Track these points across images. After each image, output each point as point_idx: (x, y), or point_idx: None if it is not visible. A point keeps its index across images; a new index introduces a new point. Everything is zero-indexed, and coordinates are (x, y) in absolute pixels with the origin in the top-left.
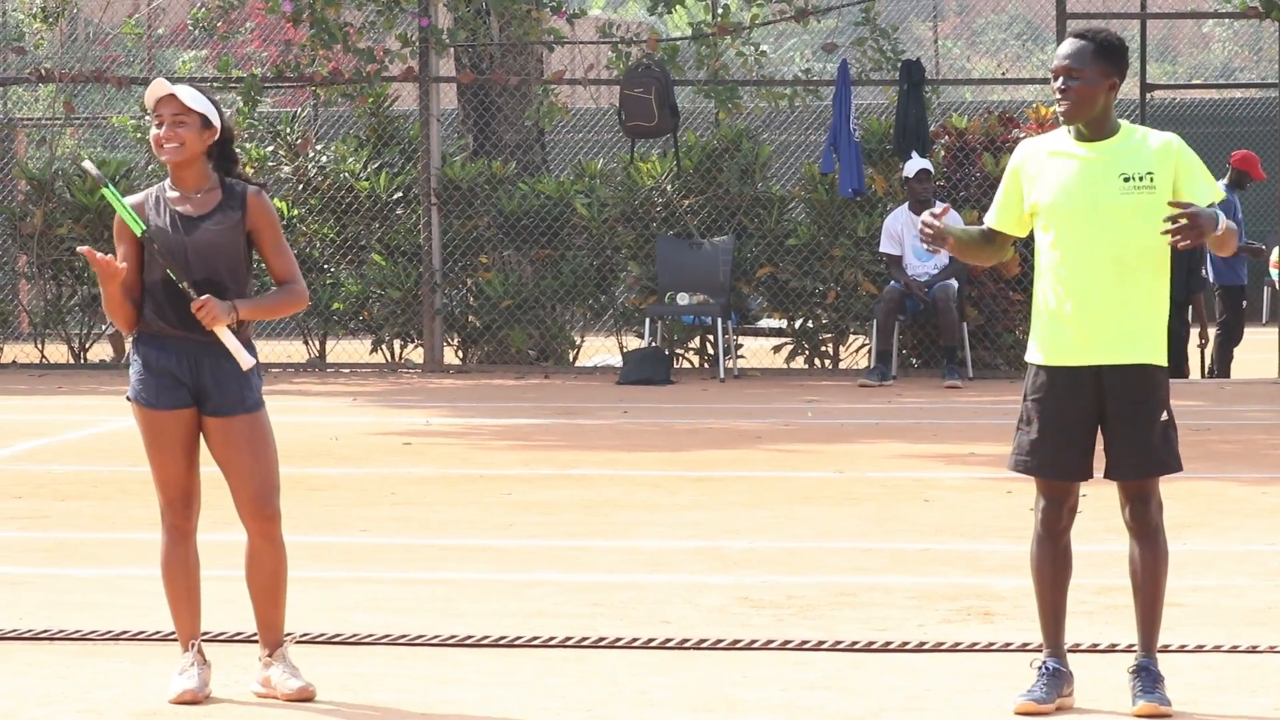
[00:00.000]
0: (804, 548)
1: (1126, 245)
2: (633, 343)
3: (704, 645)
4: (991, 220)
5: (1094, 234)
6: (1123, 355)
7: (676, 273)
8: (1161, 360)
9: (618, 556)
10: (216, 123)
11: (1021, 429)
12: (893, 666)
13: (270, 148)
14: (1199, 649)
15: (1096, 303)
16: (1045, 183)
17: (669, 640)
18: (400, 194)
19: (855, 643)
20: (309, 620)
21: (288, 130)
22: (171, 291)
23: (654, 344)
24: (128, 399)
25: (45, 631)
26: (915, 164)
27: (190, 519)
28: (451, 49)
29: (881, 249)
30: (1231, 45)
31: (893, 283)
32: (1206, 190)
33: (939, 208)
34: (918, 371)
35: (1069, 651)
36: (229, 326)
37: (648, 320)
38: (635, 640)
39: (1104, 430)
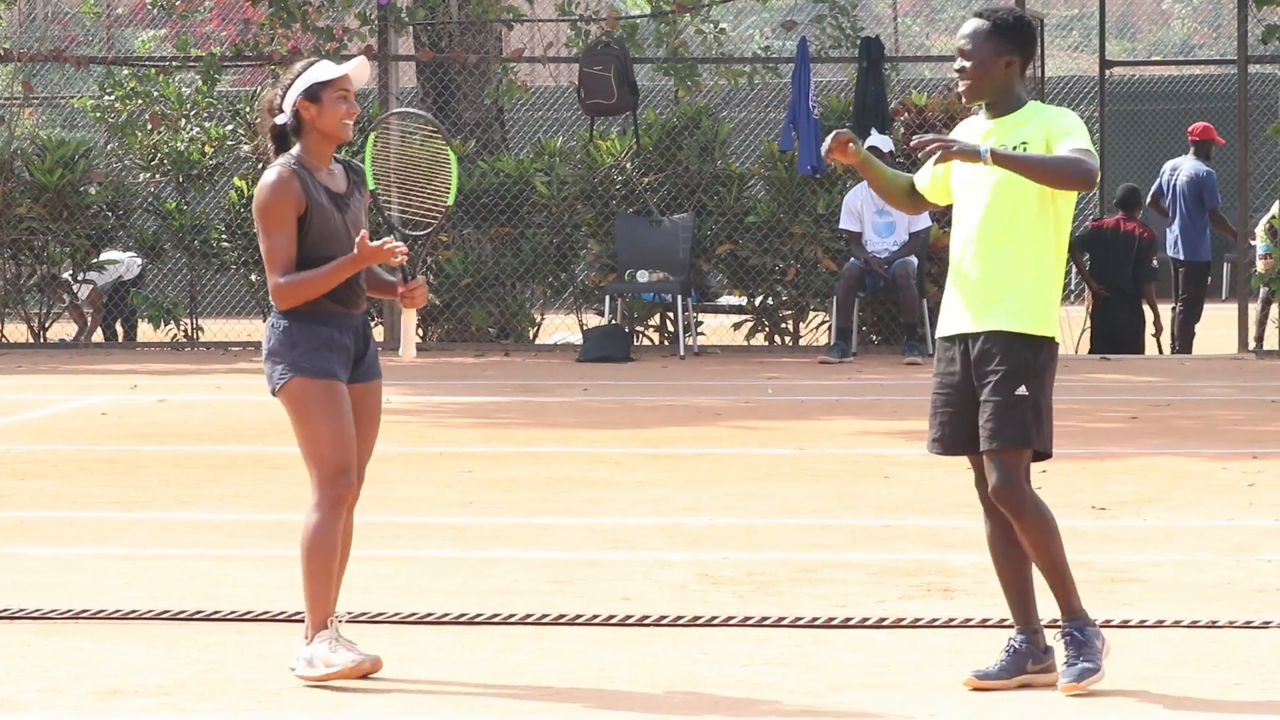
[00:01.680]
0: (764, 524)
1: (995, 214)
2: (593, 320)
3: (664, 622)
4: (918, 177)
5: (969, 207)
6: (980, 323)
7: (636, 250)
8: (1027, 329)
9: (578, 533)
10: None
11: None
12: (853, 642)
13: (230, 126)
14: (1159, 624)
15: (964, 273)
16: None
17: (629, 617)
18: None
19: (816, 619)
20: (269, 598)
21: (247, 109)
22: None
23: (614, 321)
24: (287, 378)
25: (5, 610)
26: (869, 141)
27: (355, 492)
28: (410, 27)
29: (841, 226)
30: (1191, 22)
31: (852, 260)
32: (1070, 141)
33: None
34: (878, 348)
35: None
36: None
37: (608, 298)
38: (596, 617)
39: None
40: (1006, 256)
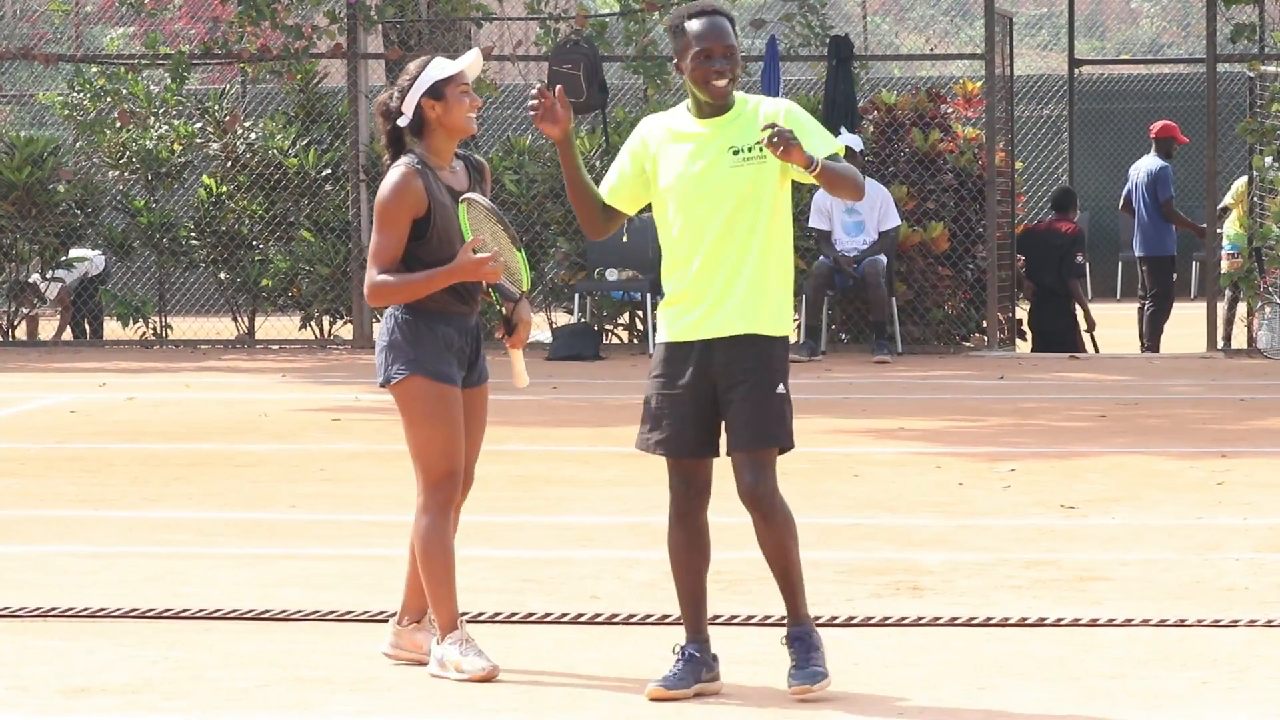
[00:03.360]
0: (733, 523)
1: (737, 217)
2: (562, 318)
3: (633, 620)
4: (607, 195)
5: (705, 209)
6: (732, 327)
7: (606, 249)
8: (776, 331)
9: (546, 532)
10: None
11: (645, 407)
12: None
13: (198, 125)
14: (1127, 623)
15: (706, 276)
16: (666, 163)
17: (598, 615)
18: (329, 171)
19: (784, 617)
20: (237, 596)
21: (216, 107)
22: None
23: (583, 320)
24: (398, 377)
25: None
26: (840, 140)
27: (461, 495)
28: (380, 25)
29: (810, 224)
30: (1160, 20)
31: (822, 258)
32: (822, 144)
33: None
34: (847, 347)
35: (997, 625)
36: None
37: (577, 296)
38: (564, 615)
39: (720, 403)
40: (753, 259)
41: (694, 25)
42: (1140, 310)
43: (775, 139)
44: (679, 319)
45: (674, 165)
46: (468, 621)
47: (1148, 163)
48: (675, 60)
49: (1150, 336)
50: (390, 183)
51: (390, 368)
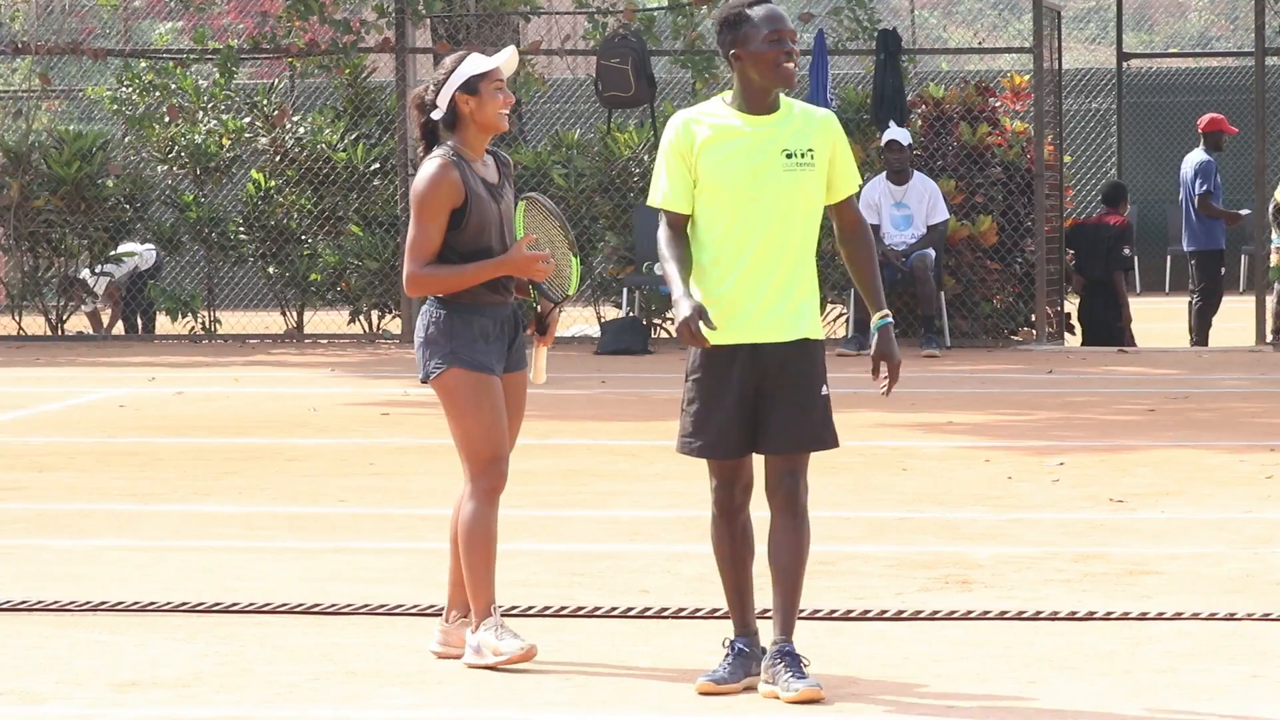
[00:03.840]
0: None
1: (788, 222)
2: (611, 313)
3: (682, 614)
4: (680, 204)
5: (757, 210)
6: (785, 331)
7: (654, 243)
8: (818, 334)
9: (595, 526)
10: None
11: (685, 410)
12: (871, 635)
13: (247, 119)
14: (1176, 616)
15: (756, 279)
16: (714, 160)
17: (648, 609)
18: (377, 165)
19: (834, 611)
20: (287, 590)
21: (264, 102)
22: None
23: (632, 314)
24: (439, 371)
25: (24, 602)
26: (887, 134)
27: (504, 482)
28: (428, 19)
29: None
30: (1208, 14)
31: None
32: (850, 179)
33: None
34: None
35: (1047, 619)
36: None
37: (625, 290)
38: (614, 609)
39: (761, 406)
40: (802, 261)
41: (759, 11)
42: (1190, 305)
43: (893, 385)
44: (724, 321)
45: (725, 162)
46: (516, 616)
47: (1195, 156)
48: (732, 51)
49: (1198, 331)
50: (427, 174)
51: (428, 363)
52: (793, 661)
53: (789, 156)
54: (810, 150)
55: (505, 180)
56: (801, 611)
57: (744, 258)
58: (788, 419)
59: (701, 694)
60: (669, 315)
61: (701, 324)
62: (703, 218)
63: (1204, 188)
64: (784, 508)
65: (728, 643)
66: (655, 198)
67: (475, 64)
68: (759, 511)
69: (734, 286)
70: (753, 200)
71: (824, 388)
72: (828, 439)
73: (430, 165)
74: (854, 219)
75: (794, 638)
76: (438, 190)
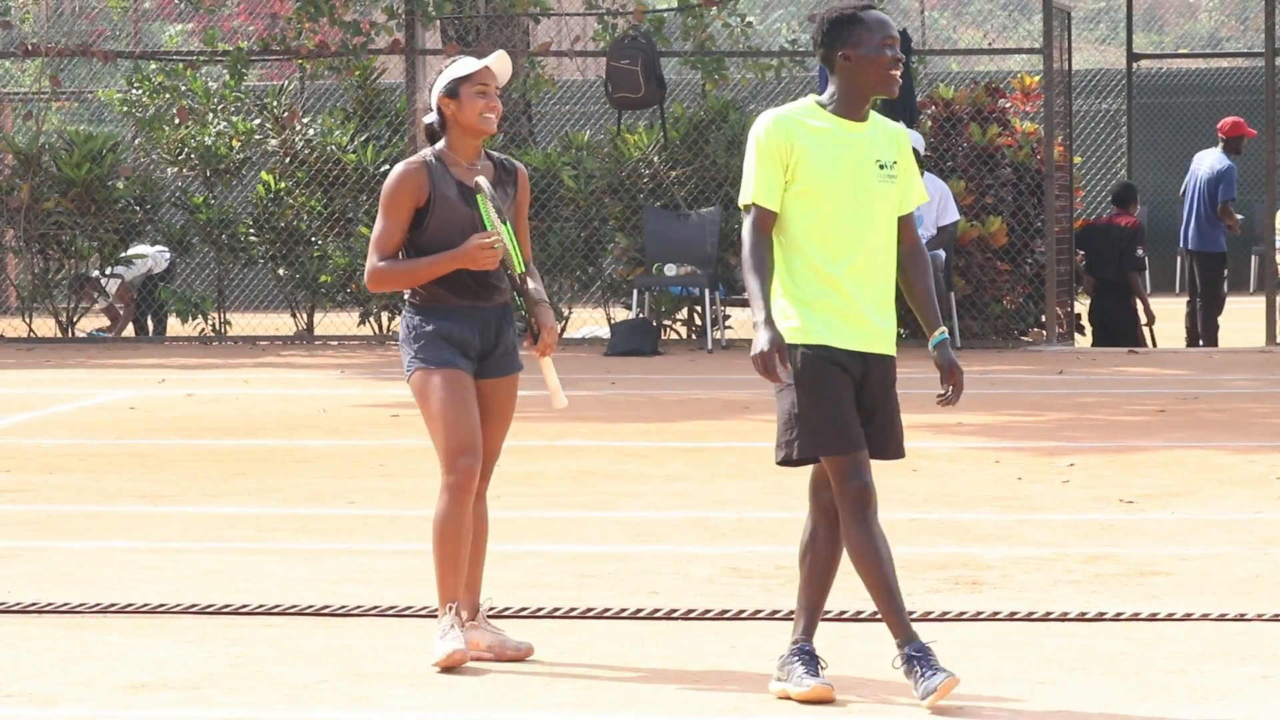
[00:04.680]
0: (792, 518)
1: (883, 232)
2: (620, 314)
3: (692, 615)
4: (774, 203)
5: (858, 218)
6: (887, 345)
7: (664, 244)
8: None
9: (605, 527)
10: None
11: (804, 415)
12: (880, 636)
13: (257, 121)
14: (1187, 617)
15: (859, 289)
16: (815, 162)
17: (657, 611)
18: (387, 166)
19: (843, 612)
20: (297, 592)
21: (274, 103)
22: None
23: (642, 315)
24: (410, 371)
25: (34, 604)
26: None
27: (477, 477)
28: (438, 21)
29: None
30: (1219, 15)
31: None
32: (916, 194)
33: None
34: (905, 341)
35: (1057, 620)
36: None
37: (635, 291)
38: (624, 611)
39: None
40: (888, 273)
41: (871, 15)
42: (1189, 306)
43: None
44: (832, 324)
45: (829, 167)
46: (526, 617)
47: (1212, 158)
48: (842, 52)
49: (1205, 334)
50: (393, 173)
51: (404, 367)
52: (934, 659)
53: (881, 167)
54: (895, 162)
55: (501, 187)
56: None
57: (845, 266)
58: (885, 428)
59: (814, 700)
60: (679, 316)
61: (778, 361)
62: (798, 222)
63: (1229, 196)
64: (866, 511)
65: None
66: (746, 194)
67: (458, 68)
68: (776, 512)
69: (836, 292)
70: (855, 209)
71: (896, 395)
72: (902, 448)
73: (399, 165)
74: (914, 237)
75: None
76: (399, 189)
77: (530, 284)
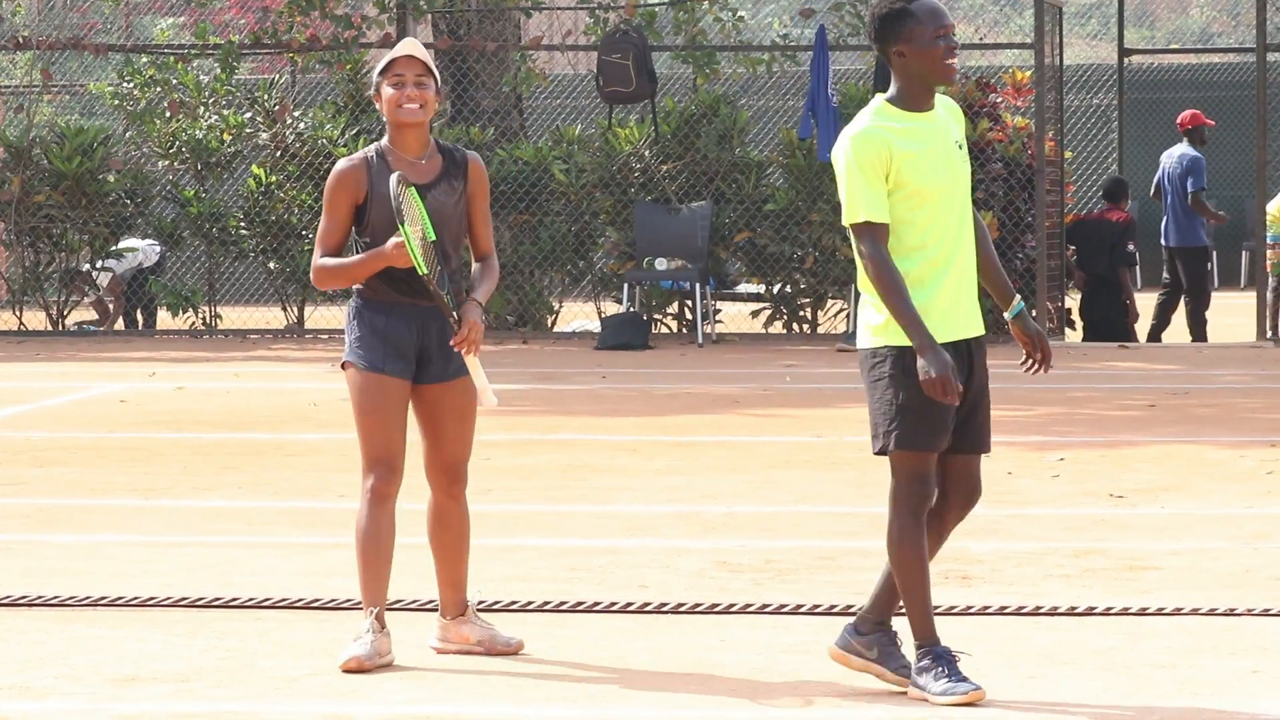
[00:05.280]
0: (782, 512)
1: (967, 212)
2: (611, 308)
3: (682, 609)
4: (884, 214)
5: (951, 206)
6: (979, 325)
7: (655, 238)
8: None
9: (596, 521)
10: (439, 89)
11: (898, 405)
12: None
13: (248, 114)
14: (1176, 612)
15: (961, 275)
16: (910, 161)
17: (647, 605)
18: None
19: (834, 606)
20: (288, 585)
21: (265, 97)
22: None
23: (632, 309)
24: (344, 364)
25: (24, 597)
26: None
27: (394, 484)
28: (429, 15)
29: None
30: (1210, 10)
31: None
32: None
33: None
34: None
35: (1046, 614)
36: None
37: (626, 285)
38: (613, 605)
39: (965, 403)
40: (971, 250)
41: (922, 6)
42: (1161, 301)
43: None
44: (949, 316)
45: (924, 163)
46: (516, 611)
47: (1179, 150)
48: (896, 48)
49: (1194, 330)
50: (333, 171)
51: (345, 352)
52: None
53: (960, 147)
54: (963, 139)
55: (447, 179)
56: (800, 607)
57: (954, 255)
58: (984, 417)
59: (971, 703)
60: (669, 310)
61: (954, 381)
62: (906, 225)
63: (1198, 186)
64: (967, 508)
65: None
66: (857, 214)
67: (381, 62)
68: (766, 506)
69: (946, 287)
70: (952, 196)
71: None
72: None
73: (339, 162)
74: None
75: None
76: (336, 187)
77: (470, 285)
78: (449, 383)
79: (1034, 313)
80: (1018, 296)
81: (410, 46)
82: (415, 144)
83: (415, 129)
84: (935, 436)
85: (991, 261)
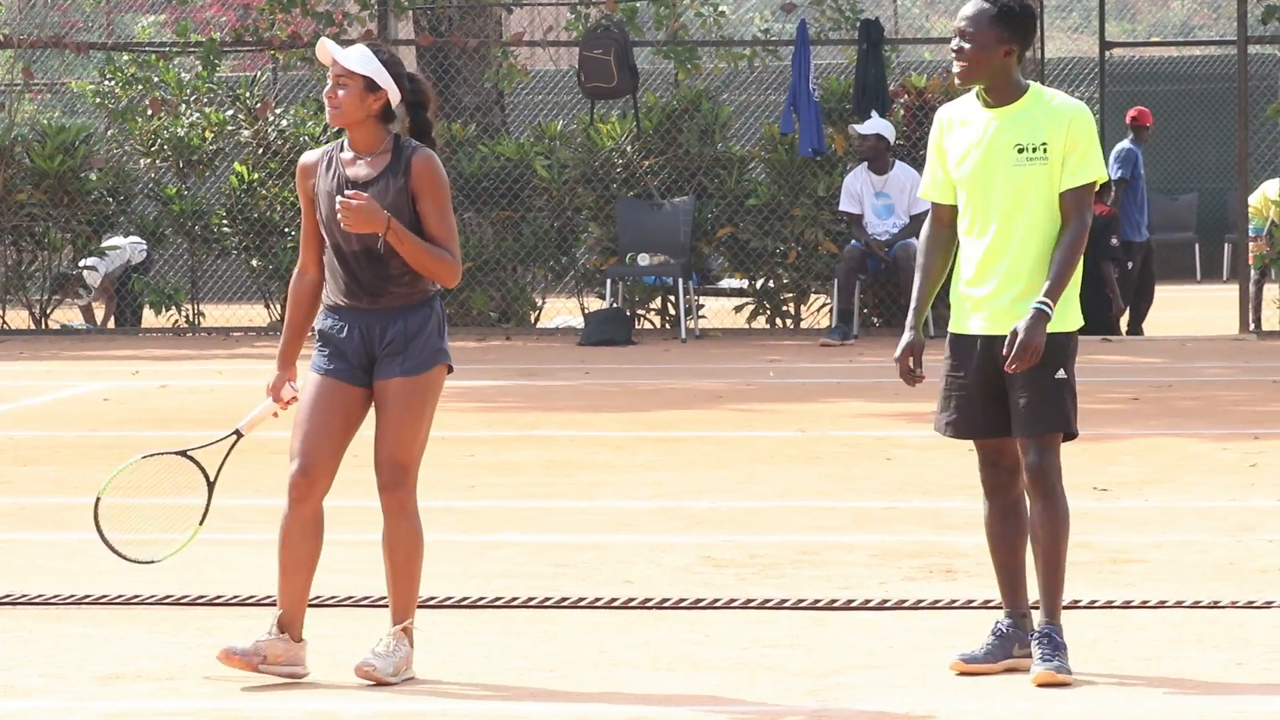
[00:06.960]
0: (766, 507)
1: (1015, 215)
2: (594, 304)
3: (666, 604)
4: (938, 192)
5: (987, 203)
6: (1004, 325)
7: (637, 234)
8: (1059, 325)
9: (580, 517)
10: (387, 85)
11: (941, 390)
12: (855, 624)
13: (230, 112)
14: (1160, 604)
15: (986, 271)
16: (953, 151)
17: (632, 600)
18: None
19: (818, 601)
20: (270, 584)
21: (247, 94)
22: (344, 262)
23: (615, 305)
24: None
25: (7, 596)
26: (870, 127)
27: (307, 487)
28: (410, 11)
29: (841, 208)
30: (1191, 3)
31: (853, 242)
32: (1087, 170)
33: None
34: (879, 330)
35: (1031, 608)
36: (382, 239)
37: (609, 281)
38: (598, 600)
39: (1006, 392)
40: (1031, 258)
41: (963, 7)
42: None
43: (1022, 360)
44: (962, 308)
45: (960, 153)
46: (500, 607)
47: (1121, 144)
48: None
49: (1130, 320)
50: None
51: None
52: (1048, 644)
53: (1020, 151)
54: (1044, 144)
55: (389, 175)
56: (784, 601)
57: (976, 251)
58: (1020, 401)
59: (957, 674)
60: (652, 306)
61: (911, 364)
62: (961, 211)
63: (1120, 173)
64: (1030, 484)
65: (996, 624)
66: (919, 189)
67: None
68: (750, 501)
69: (973, 277)
70: (984, 194)
71: (1060, 371)
72: (1059, 422)
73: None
74: (1068, 213)
75: (1059, 619)
76: (298, 183)
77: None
78: (387, 380)
79: None
80: (1045, 300)
81: (321, 51)
82: (360, 142)
83: (355, 128)
84: (955, 424)
85: (1052, 263)
